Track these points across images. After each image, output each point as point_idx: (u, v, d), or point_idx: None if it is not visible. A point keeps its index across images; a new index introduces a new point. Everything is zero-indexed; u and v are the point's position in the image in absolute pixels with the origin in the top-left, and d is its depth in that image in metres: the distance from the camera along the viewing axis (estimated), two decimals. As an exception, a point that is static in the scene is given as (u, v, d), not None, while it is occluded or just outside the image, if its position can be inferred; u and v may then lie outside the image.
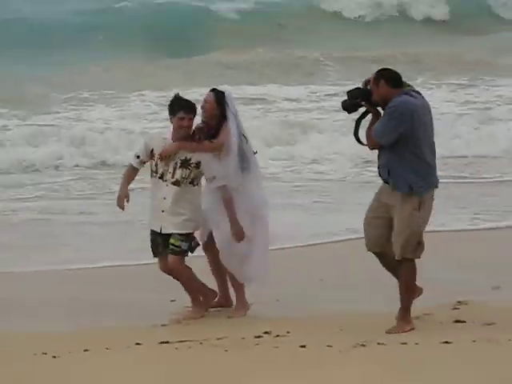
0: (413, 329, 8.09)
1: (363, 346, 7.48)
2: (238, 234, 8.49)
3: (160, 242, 8.70)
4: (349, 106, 8.01)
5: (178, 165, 8.66)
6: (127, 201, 8.88)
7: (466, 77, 26.63)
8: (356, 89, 8.09)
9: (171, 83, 22.52)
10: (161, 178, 8.73)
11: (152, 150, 8.77)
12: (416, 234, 7.90)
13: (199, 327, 8.59)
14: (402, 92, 7.82)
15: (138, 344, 7.68)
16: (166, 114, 9.25)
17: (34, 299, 9.81)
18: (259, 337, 8.01)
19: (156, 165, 8.73)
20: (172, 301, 9.14)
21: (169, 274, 8.73)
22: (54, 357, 7.28)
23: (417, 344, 7.64)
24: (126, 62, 27.35)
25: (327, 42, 30.21)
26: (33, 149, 18.68)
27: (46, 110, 22.28)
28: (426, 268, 9.49)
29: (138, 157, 8.96)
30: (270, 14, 31.79)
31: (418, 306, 8.92)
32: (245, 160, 8.64)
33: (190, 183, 8.69)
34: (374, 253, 8.16)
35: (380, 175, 8.02)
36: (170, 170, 8.67)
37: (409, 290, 8.11)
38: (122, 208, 8.91)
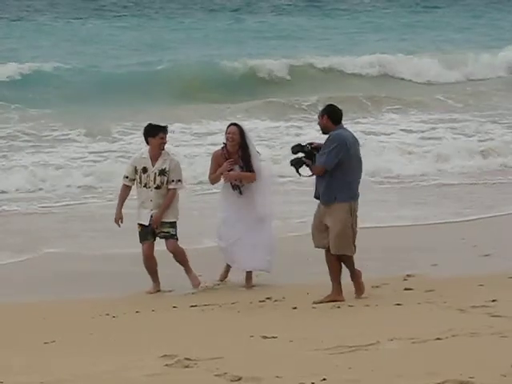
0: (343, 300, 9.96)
1: (338, 307, 9.74)
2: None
3: (149, 232, 10.82)
4: (296, 164, 9.90)
5: (157, 174, 10.80)
6: (121, 222, 11.09)
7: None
8: (298, 145, 10.01)
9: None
10: (145, 186, 10.85)
11: (135, 167, 10.94)
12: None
13: (218, 295, 10.72)
14: (338, 127, 9.65)
15: (174, 307, 10.07)
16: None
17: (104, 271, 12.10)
18: (263, 301, 10.19)
19: (140, 178, 10.86)
20: (199, 275, 11.12)
21: (150, 259, 10.83)
22: (114, 317, 9.64)
23: (377, 305, 9.75)
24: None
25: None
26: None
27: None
28: (385, 250, 12.57)
29: (127, 177, 11.11)
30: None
31: (378, 278, 11.26)
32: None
33: (166, 185, 10.84)
34: None
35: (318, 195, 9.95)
36: (151, 178, 10.79)
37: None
38: (119, 226, 11.15)
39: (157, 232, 10.84)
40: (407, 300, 10.11)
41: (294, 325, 8.95)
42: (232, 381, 6.06)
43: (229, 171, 10.67)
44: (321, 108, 10.59)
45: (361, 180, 10.01)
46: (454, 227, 15.09)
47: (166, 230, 10.84)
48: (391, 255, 12.83)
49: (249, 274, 10.96)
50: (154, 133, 10.93)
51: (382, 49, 36.08)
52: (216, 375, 6.22)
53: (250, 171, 10.65)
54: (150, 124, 11.26)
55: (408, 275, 11.65)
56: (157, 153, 10.85)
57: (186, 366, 6.57)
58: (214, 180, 11.16)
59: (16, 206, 16.44)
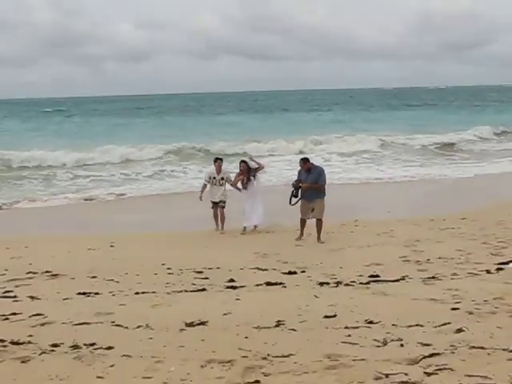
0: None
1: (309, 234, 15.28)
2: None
3: (217, 202, 17.66)
4: (295, 190, 16.01)
5: (221, 179, 17.81)
6: (201, 199, 17.75)
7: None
8: (295, 184, 16.12)
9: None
10: (214, 184, 17.86)
11: (210, 176, 17.96)
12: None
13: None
14: (313, 164, 16.44)
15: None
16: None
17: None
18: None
19: (214, 179, 17.81)
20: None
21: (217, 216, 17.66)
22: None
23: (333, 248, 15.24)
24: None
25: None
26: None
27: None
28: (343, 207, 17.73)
29: (207, 181, 18.02)
30: None
31: (337, 223, 16.94)
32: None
33: (223, 184, 17.84)
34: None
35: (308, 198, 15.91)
36: (218, 180, 17.77)
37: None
38: (201, 200, 17.73)
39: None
40: (356, 240, 15.91)
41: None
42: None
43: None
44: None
45: None
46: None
47: (223, 204, 17.76)
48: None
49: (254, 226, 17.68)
50: (215, 160, 18.35)
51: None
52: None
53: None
54: (216, 157, 18.81)
55: (356, 220, 17.62)
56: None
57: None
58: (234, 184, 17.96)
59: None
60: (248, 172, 17.63)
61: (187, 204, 20.77)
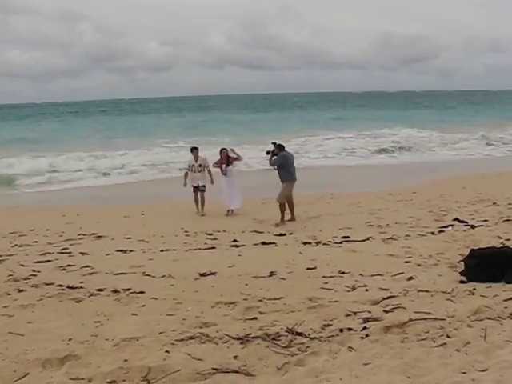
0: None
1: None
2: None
3: (197, 187, 15.81)
4: (269, 153, 14.57)
5: (199, 165, 15.89)
6: (185, 186, 15.99)
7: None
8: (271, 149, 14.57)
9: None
10: (194, 171, 15.91)
11: (189, 164, 16.11)
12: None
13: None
14: (282, 150, 14.44)
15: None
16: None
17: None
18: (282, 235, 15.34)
19: (193, 166, 15.92)
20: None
21: (198, 200, 15.83)
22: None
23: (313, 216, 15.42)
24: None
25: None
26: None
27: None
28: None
29: (187, 169, 16.17)
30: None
31: (317, 196, 16.84)
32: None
33: (201, 171, 15.93)
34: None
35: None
36: (197, 167, 15.85)
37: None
38: (185, 186, 16.00)
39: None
40: (333, 208, 15.80)
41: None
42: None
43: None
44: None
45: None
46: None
47: (203, 188, 15.84)
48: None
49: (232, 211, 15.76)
50: (192, 149, 16.40)
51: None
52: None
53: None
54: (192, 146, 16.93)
55: (331, 194, 17.49)
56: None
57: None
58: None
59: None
60: (227, 159, 15.86)
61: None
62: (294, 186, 14.49)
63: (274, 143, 14.81)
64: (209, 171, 16.10)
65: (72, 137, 42.66)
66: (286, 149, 14.70)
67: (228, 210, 15.67)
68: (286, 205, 14.28)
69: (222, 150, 16.28)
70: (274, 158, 14.45)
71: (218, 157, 15.99)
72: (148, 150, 31.61)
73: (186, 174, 16.27)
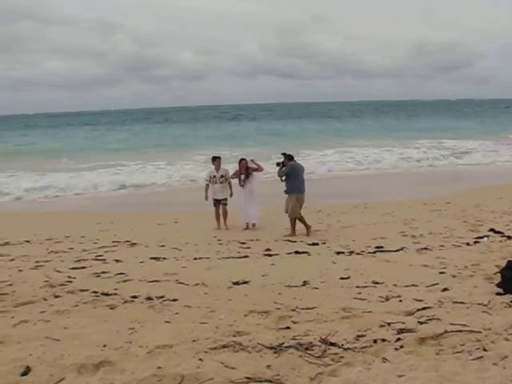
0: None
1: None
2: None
3: (219, 200, 15.02)
4: (279, 165, 14.17)
5: (221, 176, 15.03)
6: (206, 199, 15.09)
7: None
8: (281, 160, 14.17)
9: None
10: (215, 182, 15.04)
11: (210, 175, 15.14)
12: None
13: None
14: (291, 161, 13.95)
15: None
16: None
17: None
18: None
19: (214, 177, 15.02)
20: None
21: (219, 215, 15.03)
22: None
23: (347, 225, 15.30)
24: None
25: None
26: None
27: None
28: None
29: (208, 180, 15.21)
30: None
31: (350, 205, 16.68)
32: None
33: (223, 182, 15.11)
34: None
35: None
36: (218, 178, 14.98)
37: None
38: (206, 200, 15.12)
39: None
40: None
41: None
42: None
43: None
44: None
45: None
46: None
47: (226, 202, 15.10)
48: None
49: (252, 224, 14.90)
50: (213, 159, 15.44)
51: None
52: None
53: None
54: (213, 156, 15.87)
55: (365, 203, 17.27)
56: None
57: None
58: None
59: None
60: (246, 170, 14.97)
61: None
62: (306, 197, 14.01)
63: (283, 154, 14.39)
64: (229, 183, 15.30)
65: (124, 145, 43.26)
66: (295, 159, 14.26)
67: (247, 224, 14.90)
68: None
69: (241, 160, 15.43)
70: (283, 169, 14.15)
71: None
72: (183, 160, 31.87)
73: (207, 186, 15.32)
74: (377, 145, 37.17)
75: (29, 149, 43.93)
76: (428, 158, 31.91)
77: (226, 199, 15.17)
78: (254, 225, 14.87)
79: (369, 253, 10.69)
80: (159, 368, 4.78)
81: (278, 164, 14.40)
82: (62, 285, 8.24)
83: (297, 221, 13.82)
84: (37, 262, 10.49)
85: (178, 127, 70.66)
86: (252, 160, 15.30)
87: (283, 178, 14.03)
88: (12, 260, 10.84)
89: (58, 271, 9.39)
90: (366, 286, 7.97)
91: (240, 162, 15.28)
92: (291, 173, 13.86)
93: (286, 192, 13.96)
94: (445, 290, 7.58)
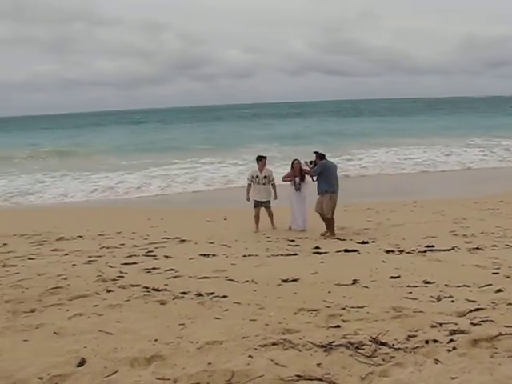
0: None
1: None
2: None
3: (260, 202, 14.47)
4: (311, 164, 13.81)
5: (264, 177, 14.40)
6: (248, 200, 14.56)
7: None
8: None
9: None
10: (257, 183, 14.48)
11: (253, 175, 14.52)
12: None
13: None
14: (322, 159, 13.57)
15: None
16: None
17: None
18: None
19: (257, 177, 14.44)
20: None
21: (259, 217, 14.41)
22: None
23: (397, 224, 15.09)
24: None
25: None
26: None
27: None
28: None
29: (250, 180, 14.58)
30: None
31: (400, 204, 16.41)
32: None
33: (266, 183, 14.48)
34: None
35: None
36: (261, 178, 14.37)
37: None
38: (248, 200, 14.59)
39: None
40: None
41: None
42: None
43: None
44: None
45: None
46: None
47: (269, 204, 14.58)
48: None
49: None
50: (259, 158, 14.72)
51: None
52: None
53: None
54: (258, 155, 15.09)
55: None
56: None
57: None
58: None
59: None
60: (301, 172, 14.26)
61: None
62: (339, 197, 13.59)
63: (315, 152, 13.96)
64: (273, 185, 14.57)
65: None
66: (326, 158, 13.83)
67: (290, 227, 14.40)
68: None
69: (293, 161, 14.65)
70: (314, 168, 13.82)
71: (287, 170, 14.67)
72: (237, 159, 32.18)
73: (249, 186, 14.67)
74: (448, 143, 36.77)
75: (83, 147, 45.10)
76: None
77: (268, 202, 14.63)
78: (302, 230, 14.18)
79: (419, 252, 10.51)
80: (209, 364, 4.81)
81: (310, 163, 14.05)
82: (114, 280, 8.37)
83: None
84: (89, 256, 10.70)
85: (227, 125, 71.03)
86: (306, 162, 14.33)
87: (314, 177, 13.75)
88: (66, 254, 11.11)
89: (110, 266, 9.55)
90: (416, 286, 7.81)
91: (293, 163, 14.56)
92: (323, 172, 13.51)
93: (319, 192, 13.64)
94: (498, 291, 7.36)
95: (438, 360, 4.83)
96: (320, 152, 13.96)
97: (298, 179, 14.35)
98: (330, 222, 13.45)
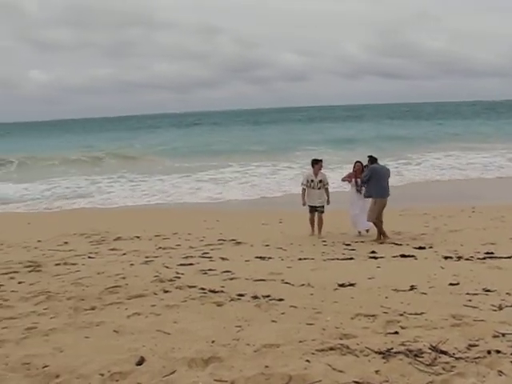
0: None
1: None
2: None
3: (315, 206, 14.31)
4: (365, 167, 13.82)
5: (319, 181, 14.25)
6: (304, 205, 14.35)
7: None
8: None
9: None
10: (312, 187, 14.31)
11: (308, 179, 14.36)
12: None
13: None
14: (373, 163, 13.43)
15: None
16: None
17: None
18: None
19: (312, 182, 14.31)
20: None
21: (314, 221, 14.30)
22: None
23: (455, 229, 14.74)
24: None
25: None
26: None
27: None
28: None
29: (305, 184, 14.37)
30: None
31: (457, 209, 16.07)
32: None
33: (321, 188, 14.33)
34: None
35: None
36: (316, 183, 14.22)
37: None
38: (304, 205, 14.37)
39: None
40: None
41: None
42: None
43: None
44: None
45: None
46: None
47: (322, 209, 14.38)
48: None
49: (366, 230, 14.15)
50: (316, 161, 14.52)
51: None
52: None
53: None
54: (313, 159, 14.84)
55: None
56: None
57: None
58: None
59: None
60: (361, 173, 13.94)
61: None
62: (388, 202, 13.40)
63: (369, 156, 13.90)
64: (326, 189, 14.48)
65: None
66: (378, 162, 13.65)
67: (359, 232, 14.17)
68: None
69: (356, 162, 14.60)
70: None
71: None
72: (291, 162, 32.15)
73: (304, 191, 14.49)
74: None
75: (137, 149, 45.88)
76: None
77: (322, 206, 14.43)
78: (367, 231, 14.13)
79: (478, 258, 10.26)
80: (267, 367, 4.80)
81: (364, 167, 13.93)
82: (171, 280, 8.46)
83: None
84: (147, 257, 10.87)
85: (281, 128, 70.94)
86: (367, 165, 13.96)
87: (365, 181, 13.54)
88: (124, 254, 11.33)
89: (167, 267, 9.66)
90: (476, 294, 7.61)
91: (355, 164, 14.48)
92: (372, 176, 13.34)
93: (367, 196, 13.56)
94: None
95: (501, 372, 4.68)
96: (372, 156, 13.87)
97: (359, 180, 14.12)
98: (377, 226, 13.34)
